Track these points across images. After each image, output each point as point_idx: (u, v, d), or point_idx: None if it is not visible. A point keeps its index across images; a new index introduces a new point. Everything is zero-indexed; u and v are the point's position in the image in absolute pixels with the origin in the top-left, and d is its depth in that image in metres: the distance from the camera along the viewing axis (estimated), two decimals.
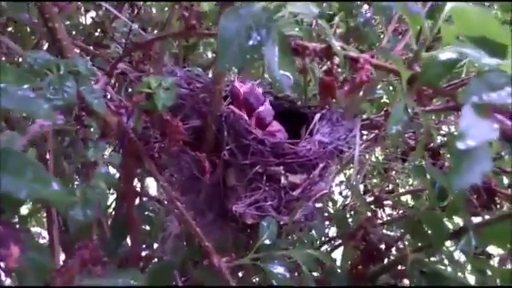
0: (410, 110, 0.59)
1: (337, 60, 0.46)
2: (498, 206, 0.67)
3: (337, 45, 0.45)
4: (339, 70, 0.55)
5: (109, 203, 1.30)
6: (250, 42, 0.38)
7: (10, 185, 0.31)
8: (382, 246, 0.61)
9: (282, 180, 0.70)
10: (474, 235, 0.53)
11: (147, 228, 1.04)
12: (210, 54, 1.32)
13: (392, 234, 0.78)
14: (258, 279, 0.77)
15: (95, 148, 0.54)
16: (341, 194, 1.45)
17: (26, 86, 0.39)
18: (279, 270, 0.62)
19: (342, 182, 1.45)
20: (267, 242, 0.65)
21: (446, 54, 0.41)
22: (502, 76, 0.36)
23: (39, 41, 0.80)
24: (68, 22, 1.14)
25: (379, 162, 1.45)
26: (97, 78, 0.64)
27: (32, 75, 0.45)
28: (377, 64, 0.43)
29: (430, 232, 0.54)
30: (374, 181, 1.54)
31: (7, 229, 0.31)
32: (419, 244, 0.58)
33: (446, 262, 0.56)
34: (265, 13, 0.40)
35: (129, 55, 0.75)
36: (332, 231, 0.98)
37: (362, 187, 1.41)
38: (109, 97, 0.66)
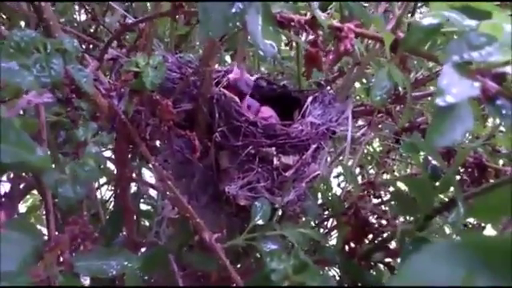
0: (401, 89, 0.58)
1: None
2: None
3: (321, 15, 0.45)
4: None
5: (107, 198, 1.32)
6: (233, 10, 0.38)
7: None
8: (374, 221, 0.61)
9: (275, 161, 0.71)
10: (464, 208, 0.53)
11: (147, 224, 1.05)
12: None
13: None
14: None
15: (85, 128, 0.54)
16: (339, 185, 1.45)
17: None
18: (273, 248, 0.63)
19: (340, 175, 1.45)
20: (260, 222, 0.66)
21: (427, 20, 0.41)
22: (482, 36, 0.36)
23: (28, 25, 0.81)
24: (62, 20, 1.15)
25: (376, 152, 1.46)
26: (86, 63, 0.64)
27: (19, 53, 0.46)
28: (360, 32, 0.43)
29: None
30: (372, 171, 1.54)
31: None
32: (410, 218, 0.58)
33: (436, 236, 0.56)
34: None
35: (118, 39, 0.75)
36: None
37: (359, 178, 1.41)
38: (99, 81, 0.66)
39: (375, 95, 0.41)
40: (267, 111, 0.81)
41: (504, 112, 0.36)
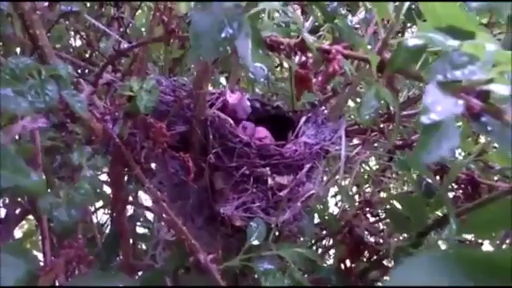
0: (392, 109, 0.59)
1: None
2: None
3: (310, 38, 0.46)
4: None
5: (103, 222, 1.31)
6: (223, 35, 0.40)
7: None
8: (369, 239, 0.62)
9: (269, 181, 0.71)
10: (457, 224, 0.54)
11: (143, 247, 1.04)
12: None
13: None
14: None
15: (80, 152, 0.55)
16: (336, 204, 1.45)
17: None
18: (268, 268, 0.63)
19: (337, 194, 1.45)
20: (256, 242, 0.66)
21: (413, 41, 0.42)
22: (464, 55, 0.37)
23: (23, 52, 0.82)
24: (58, 46, 1.17)
25: (372, 171, 1.46)
26: (81, 88, 0.65)
27: (13, 80, 0.46)
28: (348, 54, 0.44)
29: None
30: (368, 190, 1.54)
31: None
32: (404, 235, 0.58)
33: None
34: (237, 8, 0.42)
35: (113, 64, 0.76)
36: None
37: (356, 197, 1.41)
38: (94, 105, 0.66)
39: (363, 114, 0.42)
40: (262, 132, 0.82)
41: (490, 128, 0.37)
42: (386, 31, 0.44)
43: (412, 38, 0.42)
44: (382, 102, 0.51)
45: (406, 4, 0.43)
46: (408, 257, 0.52)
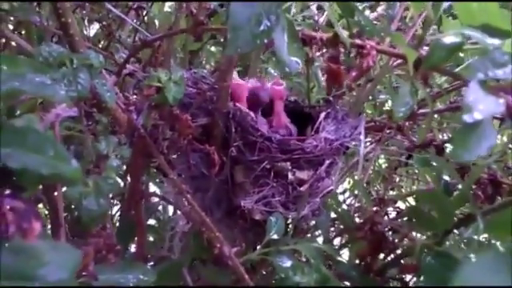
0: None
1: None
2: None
3: (344, 33, 0.46)
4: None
5: (113, 212, 1.32)
6: (261, 28, 0.39)
7: (31, 161, 0.32)
8: (390, 236, 0.62)
9: (290, 176, 0.71)
10: (482, 223, 0.54)
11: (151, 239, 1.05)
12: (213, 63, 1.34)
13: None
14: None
15: (107, 141, 0.55)
16: (345, 201, 1.45)
17: None
18: (287, 264, 0.63)
19: (345, 191, 1.45)
20: (275, 237, 0.66)
21: (449, 38, 0.42)
22: (506, 54, 0.37)
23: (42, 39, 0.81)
24: None
25: (382, 169, 1.46)
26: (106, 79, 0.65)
27: (47, 68, 0.46)
28: (382, 50, 0.44)
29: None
30: (379, 187, 1.54)
31: (28, 205, 0.32)
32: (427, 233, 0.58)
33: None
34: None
35: (136, 54, 0.76)
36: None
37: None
38: (117, 95, 0.66)
39: (398, 111, 0.42)
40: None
41: None
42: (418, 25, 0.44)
43: (448, 36, 0.42)
44: None
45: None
46: (436, 254, 0.52)
